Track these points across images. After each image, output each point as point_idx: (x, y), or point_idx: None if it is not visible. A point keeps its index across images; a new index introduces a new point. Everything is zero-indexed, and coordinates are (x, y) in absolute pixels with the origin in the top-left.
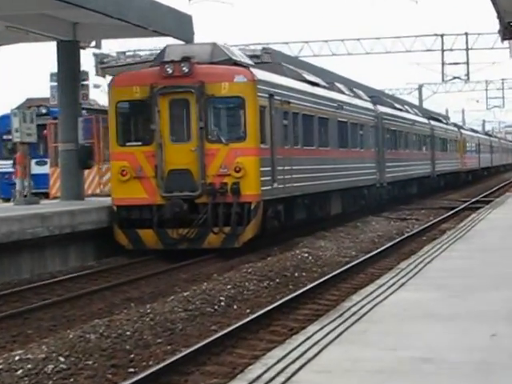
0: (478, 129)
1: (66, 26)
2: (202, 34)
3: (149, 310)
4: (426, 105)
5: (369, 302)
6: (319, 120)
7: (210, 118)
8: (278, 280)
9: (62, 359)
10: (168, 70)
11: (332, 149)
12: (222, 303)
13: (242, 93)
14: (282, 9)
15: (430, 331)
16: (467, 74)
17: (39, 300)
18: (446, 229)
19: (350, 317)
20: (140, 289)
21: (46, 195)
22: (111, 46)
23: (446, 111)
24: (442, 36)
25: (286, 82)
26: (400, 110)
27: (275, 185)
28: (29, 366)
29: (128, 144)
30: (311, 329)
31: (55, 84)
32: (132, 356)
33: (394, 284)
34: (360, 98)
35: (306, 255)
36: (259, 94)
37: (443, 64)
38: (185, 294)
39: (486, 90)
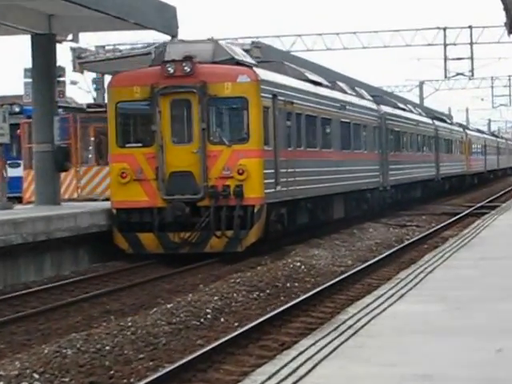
0: (483, 129)
1: (40, 18)
2: (187, 28)
3: (130, 323)
4: (428, 103)
5: (366, 315)
6: (322, 121)
7: (213, 118)
8: (268, 291)
9: (36, 376)
10: (169, 69)
11: (335, 150)
12: (209, 316)
13: (246, 93)
14: (273, 0)
15: (432, 346)
16: (471, 70)
17: (12, 312)
18: (449, 236)
19: (345, 330)
20: (120, 300)
21: (20, 200)
22: (89, 40)
23: (449, 110)
24: (444, 29)
25: (289, 82)
26: (403, 109)
27: (278, 187)
28: (1, 383)
29: (128, 145)
30: (304, 343)
31: (29, 80)
32: (112, 372)
33: (392, 295)
34: (362, 97)
35: (299, 264)
36: (263, 94)
37: (446, 59)
38: (168, 305)
39: (492, 87)
